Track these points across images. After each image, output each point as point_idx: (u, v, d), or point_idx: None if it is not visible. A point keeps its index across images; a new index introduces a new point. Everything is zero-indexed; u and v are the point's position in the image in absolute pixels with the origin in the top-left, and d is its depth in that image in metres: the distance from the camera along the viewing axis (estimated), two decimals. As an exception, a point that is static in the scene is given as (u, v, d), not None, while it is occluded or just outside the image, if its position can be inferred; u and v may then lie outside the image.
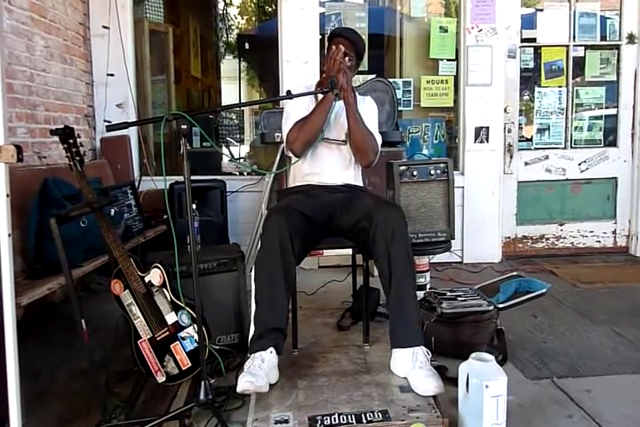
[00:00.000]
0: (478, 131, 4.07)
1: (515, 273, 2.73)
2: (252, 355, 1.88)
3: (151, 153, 4.08)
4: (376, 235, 1.98)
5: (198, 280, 1.77)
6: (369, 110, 2.41)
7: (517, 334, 2.64)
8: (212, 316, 2.03)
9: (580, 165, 4.27)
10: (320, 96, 2.30)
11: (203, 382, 1.76)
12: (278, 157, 3.37)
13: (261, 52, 6.40)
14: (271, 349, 1.88)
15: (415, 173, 2.93)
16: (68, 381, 2.18)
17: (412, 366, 1.88)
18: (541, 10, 4.22)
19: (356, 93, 2.35)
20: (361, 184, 2.44)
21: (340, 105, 2.27)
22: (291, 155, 2.36)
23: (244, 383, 1.73)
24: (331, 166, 2.33)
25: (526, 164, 4.25)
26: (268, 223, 2.00)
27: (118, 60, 3.76)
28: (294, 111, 2.33)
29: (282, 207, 2.17)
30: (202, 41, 7.01)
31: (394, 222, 1.99)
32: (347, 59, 2.26)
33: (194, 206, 1.88)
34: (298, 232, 1.99)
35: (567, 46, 4.21)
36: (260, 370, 1.80)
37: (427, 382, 1.80)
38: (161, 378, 2.00)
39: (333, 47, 2.26)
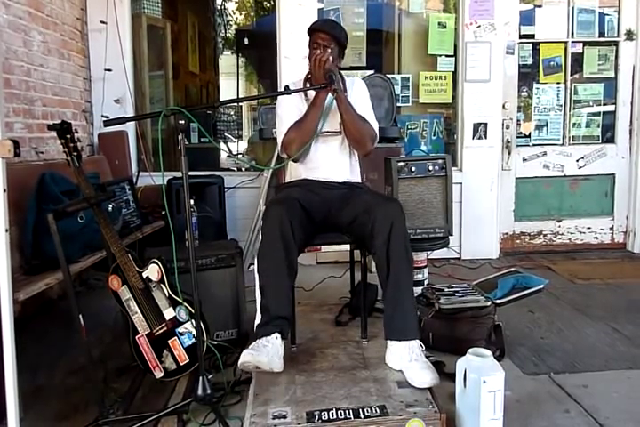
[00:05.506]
0: (476, 127, 4.07)
1: (512, 269, 2.73)
2: (258, 339, 1.89)
3: (149, 149, 4.07)
4: (374, 229, 1.98)
5: (196, 276, 1.77)
6: (360, 93, 2.37)
7: (515, 329, 2.64)
8: (209, 311, 2.03)
9: (577, 161, 4.27)
10: (310, 92, 2.27)
11: (201, 378, 1.76)
12: (276, 153, 3.37)
13: (260, 48, 6.39)
14: (276, 334, 1.89)
15: (413, 168, 2.93)
16: (65, 376, 2.18)
17: (407, 359, 1.90)
18: (540, 6, 4.21)
19: (345, 77, 2.34)
20: (359, 179, 2.43)
21: (330, 96, 2.22)
22: (285, 156, 2.33)
23: (244, 355, 1.76)
24: (327, 160, 2.31)
25: (524, 160, 4.25)
26: (268, 213, 2.00)
27: (116, 56, 3.75)
28: (287, 114, 2.29)
29: (282, 198, 2.17)
30: (200, 36, 6.97)
31: (392, 216, 1.98)
32: (330, 55, 2.21)
33: (192, 202, 1.88)
34: (298, 221, 1.99)
35: (566, 43, 4.20)
36: (263, 348, 1.82)
37: (423, 375, 1.82)
38: (159, 374, 2.01)
39: (315, 47, 2.25)
